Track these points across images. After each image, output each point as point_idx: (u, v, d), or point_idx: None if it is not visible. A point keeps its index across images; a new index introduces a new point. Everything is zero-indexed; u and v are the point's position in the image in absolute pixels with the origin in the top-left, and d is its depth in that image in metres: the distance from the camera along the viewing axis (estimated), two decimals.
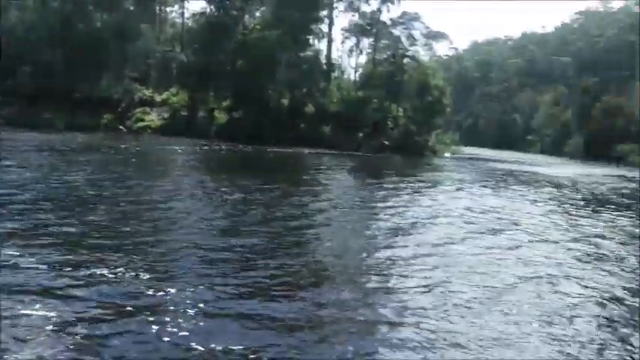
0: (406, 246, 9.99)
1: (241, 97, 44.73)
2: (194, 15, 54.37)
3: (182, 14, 56.75)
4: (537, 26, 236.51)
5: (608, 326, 6.50)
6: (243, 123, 43.02)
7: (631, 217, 17.70)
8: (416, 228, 12.11)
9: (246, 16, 52.70)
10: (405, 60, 56.62)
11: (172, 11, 60.92)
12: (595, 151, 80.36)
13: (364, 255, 9.20)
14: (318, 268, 8.04)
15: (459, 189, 22.36)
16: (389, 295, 7.08)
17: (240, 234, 9.73)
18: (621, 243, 12.54)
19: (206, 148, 32.31)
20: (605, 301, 7.49)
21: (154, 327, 5.19)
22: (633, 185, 33.37)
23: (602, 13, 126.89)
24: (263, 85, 46.11)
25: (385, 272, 8.15)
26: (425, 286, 7.45)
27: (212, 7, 51.12)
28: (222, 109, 46.89)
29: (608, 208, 19.87)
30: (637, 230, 14.93)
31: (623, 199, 24.60)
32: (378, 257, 9.04)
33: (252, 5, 52.94)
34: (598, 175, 41.33)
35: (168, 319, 5.40)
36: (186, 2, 57.62)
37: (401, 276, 7.96)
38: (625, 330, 6.45)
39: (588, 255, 10.70)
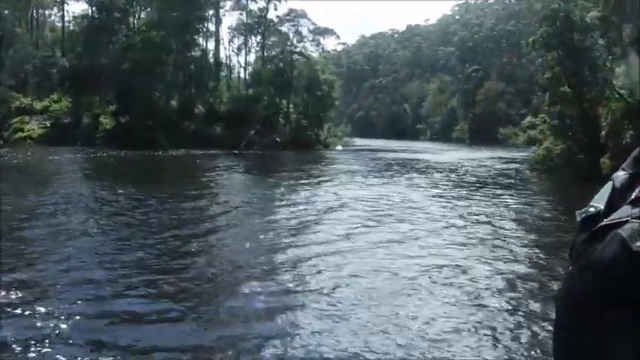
0: (307, 242, 10.64)
1: (128, 100, 43.65)
2: (75, 18, 52.82)
3: (62, 17, 54.58)
4: (421, 19, 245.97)
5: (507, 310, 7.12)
6: (130, 127, 42.05)
7: (512, 196, 19.40)
8: (312, 223, 12.75)
9: (131, 18, 51.64)
10: (294, 56, 57.49)
11: (51, 14, 58.34)
12: (480, 136, 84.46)
13: (262, 256, 9.52)
14: (213, 277, 8.30)
15: (348, 181, 23.36)
16: (297, 292, 7.58)
17: (130, 246, 9.80)
18: (501, 222, 13.88)
19: (92, 155, 31.50)
20: (500, 282, 8.32)
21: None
22: (514, 166, 35.59)
23: (480, 4, 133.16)
24: (150, 87, 45.37)
25: (292, 270, 8.65)
26: (331, 280, 8.08)
27: (94, 9, 49.81)
28: (108, 114, 45.58)
29: (489, 189, 21.67)
30: (518, 207, 16.58)
31: (504, 180, 26.46)
32: (281, 257, 9.48)
33: (137, 6, 51.93)
34: (481, 158, 43.51)
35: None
36: (66, 5, 55.62)
37: (311, 271, 8.58)
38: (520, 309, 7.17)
39: (470, 237, 11.82)
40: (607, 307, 1.30)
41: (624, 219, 1.40)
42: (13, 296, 6.73)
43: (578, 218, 1.61)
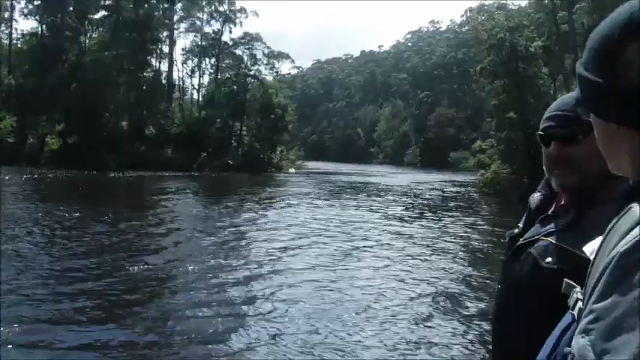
0: (251, 264, 10.61)
1: (76, 120, 42.80)
2: (24, 35, 51.21)
3: (10, 35, 52.71)
4: (374, 45, 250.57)
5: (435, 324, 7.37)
6: (78, 148, 41.19)
7: (456, 218, 19.84)
8: (257, 245, 12.73)
9: (82, 37, 50.90)
10: (248, 79, 57.50)
11: None
12: (431, 159, 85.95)
13: (202, 278, 9.41)
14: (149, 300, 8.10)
15: (298, 203, 23.33)
16: (235, 311, 7.63)
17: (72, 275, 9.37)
18: (441, 242, 14.17)
19: (36, 176, 30.58)
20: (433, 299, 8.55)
21: None
22: (463, 189, 36.19)
23: (432, 32, 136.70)
24: (99, 107, 44.65)
25: (232, 290, 8.70)
26: (267, 297, 8.19)
27: (44, 27, 48.92)
28: (56, 134, 44.53)
29: (435, 211, 22.06)
30: (460, 228, 16.98)
31: (451, 203, 26.90)
32: (227, 278, 9.43)
33: (89, 26, 51.26)
34: (432, 181, 44.14)
35: None
36: (15, 22, 54.32)
37: (250, 293, 8.56)
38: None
39: (411, 257, 12.03)
40: (535, 319, 1.33)
41: (536, 237, 1.47)
42: None
43: (507, 239, 1.65)
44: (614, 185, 1.08)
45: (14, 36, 52.30)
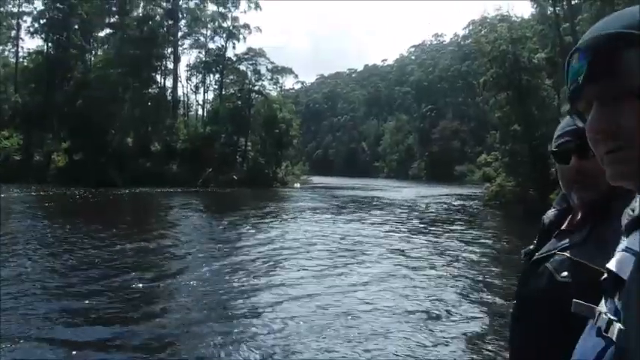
0: (260, 283, 10.51)
1: (82, 137, 42.98)
2: (30, 54, 51.76)
3: (16, 53, 53.43)
4: (378, 59, 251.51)
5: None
6: (84, 165, 41.38)
7: (462, 233, 19.62)
8: (265, 263, 12.61)
9: (87, 55, 51.39)
10: (252, 95, 57.75)
11: (5, 50, 57.13)
12: (437, 173, 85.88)
13: (223, 294, 9.46)
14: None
15: (304, 219, 23.25)
16: (235, 326, 7.66)
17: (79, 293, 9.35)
18: (446, 258, 13.97)
19: (42, 193, 30.66)
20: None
21: None
22: (468, 202, 35.99)
23: (435, 45, 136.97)
24: (105, 124, 44.89)
25: (242, 308, 8.67)
26: (267, 313, 8.25)
27: (50, 45, 49.45)
28: (61, 151, 44.74)
29: (441, 225, 21.84)
30: (467, 243, 16.76)
31: (457, 216, 26.69)
32: (228, 294, 9.45)
33: (94, 43, 51.77)
34: (437, 195, 43.84)
35: None
36: (21, 41, 55.03)
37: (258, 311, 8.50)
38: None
39: (413, 271, 11.97)
40: (545, 332, 1.37)
41: (552, 252, 1.46)
42: None
43: (522, 255, 1.62)
44: (629, 198, 1.06)
45: (20, 54, 53.05)
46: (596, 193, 1.43)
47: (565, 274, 1.38)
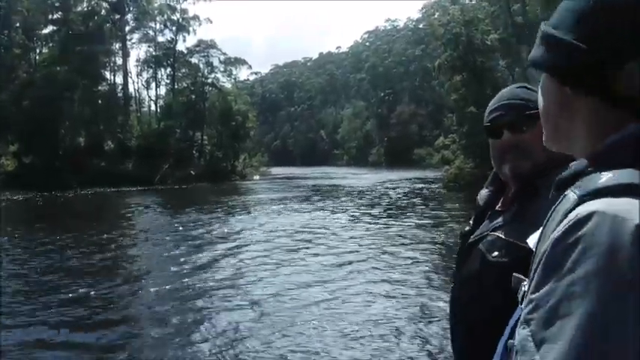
0: (216, 275, 10.60)
1: (31, 139, 41.38)
2: None
3: None
4: (332, 46, 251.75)
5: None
6: (35, 168, 39.94)
7: (420, 216, 19.86)
8: (224, 256, 12.61)
9: (32, 54, 49.67)
10: (206, 88, 56.94)
11: None
12: (396, 158, 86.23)
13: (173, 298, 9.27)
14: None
15: (262, 211, 23.17)
16: (211, 318, 7.77)
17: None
18: (401, 241, 14.17)
19: None
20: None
21: None
22: (428, 186, 36.14)
23: (389, 30, 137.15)
24: (55, 124, 43.44)
25: (207, 299, 8.85)
26: (232, 308, 8.27)
27: None
28: (10, 155, 43.06)
29: (400, 210, 22.14)
30: (422, 226, 16.99)
31: (416, 200, 26.92)
32: (190, 293, 9.40)
33: (38, 42, 50.04)
34: (397, 180, 44.14)
35: None
36: None
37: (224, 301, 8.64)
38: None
39: (375, 256, 12.15)
40: (477, 312, 1.39)
41: (485, 233, 1.47)
42: None
43: (459, 237, 1.61)
44: (555, 175, 1.06)
45: None
46: (530, 164, 1.45)
47: (496, 253, 1.41)
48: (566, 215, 0.69)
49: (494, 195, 1.60)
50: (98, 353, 6.60)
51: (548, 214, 0.76)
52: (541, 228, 0.78)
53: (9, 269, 11.52)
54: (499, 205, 1.56)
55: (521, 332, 0.68)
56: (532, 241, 0.85)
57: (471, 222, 1.64)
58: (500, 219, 1.48)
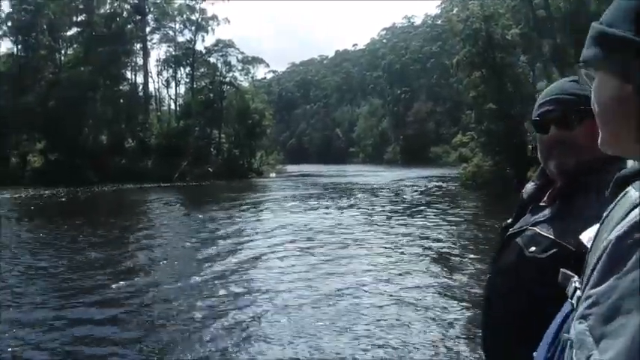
0: (234, 272, 10.53)
1: (56, 137, 42.79)
2: (0, 57, 50.98)
3: None
4: (349, 44, 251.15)
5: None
6: (60, 165, 41.15)
7: (440, 214, 19.61)
8: (245, 253, 12.60)
9: (57, 55, 50.70)
10: (224, 86, 57.35)
11: None
12: (412, 156, 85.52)
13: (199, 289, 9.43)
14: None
15: (279, 208, 23.30)
16: (226, 314, 7.74)
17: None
18: (427, 240, 13.99)
19: (22, 195, 30.13)
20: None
21: None
22: (445, 184, 35.99)
23: (406, 27, 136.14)
24: (78, 123, 44.65)
25: (223, 294, 8.84)
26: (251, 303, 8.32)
27: (19, 47, 48.99)
28: (37, 153, 44.51)
29: (417, 209, 21.80)
30: (446, 224, 16.91)
31: (434, 199, 26.62)
32: (221, 278, 9.65)
33: (63, 43, 50.99)
34: (413, 178, 44.03)
35: None
36: None
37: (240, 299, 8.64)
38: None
39: (394, 255, 12.02)
40: (513, 306, 1.42)
41: (524, 227, 1.50)
42: None
43: (500, 229, 1.66)
44: (603, 174, 1.08)
45: None
46: (575, 161, 1.43)
47: (533, 248, 1.41)
48: (628, 213, 0.68)
49: (540, 189, 1.59)
50: (116, 346, 6.69)
51: (607, 211, 0.76)
52: (597, 225, 0.78)
53: (31, 263, 11.80)
54: (544, 199, 1.55)
55: (578, 327, 0.68)
56: (586, 237, 0.87)
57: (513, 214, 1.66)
58: (541, 214, 1.48)
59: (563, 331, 0.82)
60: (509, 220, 1.62)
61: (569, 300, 0.86)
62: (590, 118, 0.85)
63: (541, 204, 1.53)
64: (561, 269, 0.93)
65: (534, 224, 1.46)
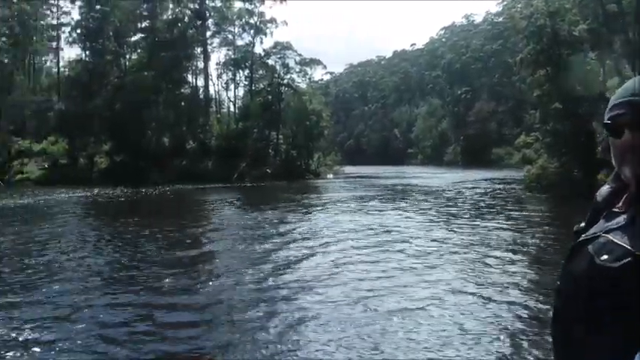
0: (308, 276, 10.50)
1: (121, 140, 44.69)
2: (70, 63, 54.68)
3: (57, 63, 56.92)
4: (407, 44, 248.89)
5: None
6: (126, 166, 42.92)
7: (506, 219, 19.13)
8: (307, 255, 12.57)
9: (122, 60, 52.73)
10: (282, 88, 57.75)
11: (47, 60, 61.59)
12: (473, 157, 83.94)
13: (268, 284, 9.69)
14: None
15: (339, 210, 23.20)
16: (284, 315, 7.87)
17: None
18: (496, 246, 13.65)
19: (90, 194, 31.46)
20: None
21: None
22: (509, 187, 35.38)
23: (466, 25, 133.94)
24: (142, 126, 46.31)
25: (281, 295, 8.96)
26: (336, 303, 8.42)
27: (87, 53, 51.51)
28: (103, 154, 46.57)
29: (482, 213, 21.36)
30: (513, 229, 16.45)
31: (498, 202, 26.00)
32: (290, 283, 9.75)
33: (127, 49, 52.89)
34: (475, 180, 43.43)
35: None
36: (61, 51, 57.91)
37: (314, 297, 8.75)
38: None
39: (459, 260, 11.81)
40: (586, 315, 1.34)
41: (597, 234, 1.40)
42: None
43: (574, 232, 1.54)
44: None
45: (61, 64, 56.38)
46: None
47: (605, 257, 1.33)
48: None
49: (615, 193, 1.50)
50: (176, 343, 6.87)
51: None
52: None
53: (94, 260, 12.18)
54: (619, 204, 1.46)
55: None
56: None
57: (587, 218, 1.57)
58: (615, 220, 1.40)
59: None
60: (582, 224, 1.53)
61: None
62: None
63: (615, 209, 1.44)
64: None
65: (607, 231, 1.38)
